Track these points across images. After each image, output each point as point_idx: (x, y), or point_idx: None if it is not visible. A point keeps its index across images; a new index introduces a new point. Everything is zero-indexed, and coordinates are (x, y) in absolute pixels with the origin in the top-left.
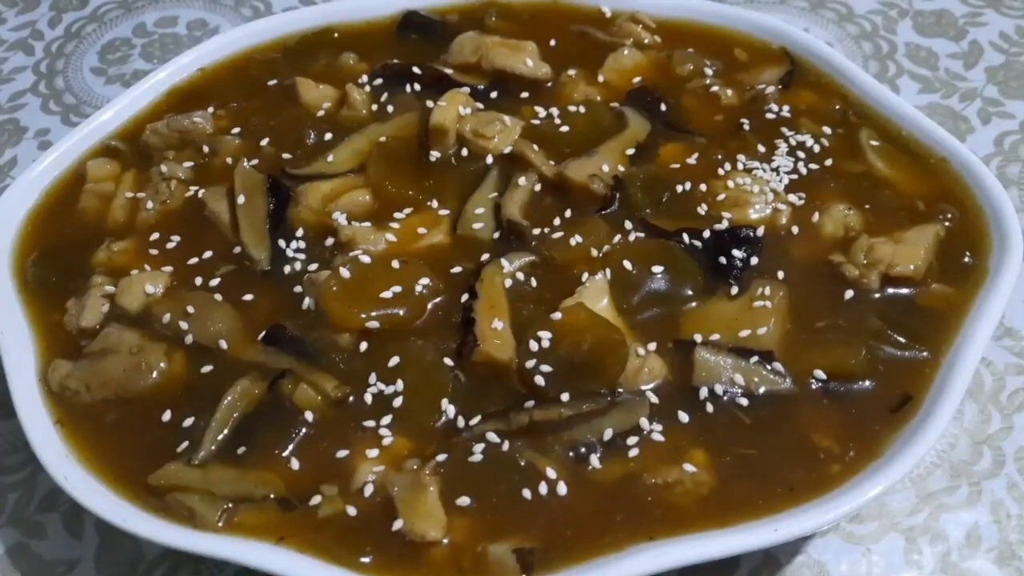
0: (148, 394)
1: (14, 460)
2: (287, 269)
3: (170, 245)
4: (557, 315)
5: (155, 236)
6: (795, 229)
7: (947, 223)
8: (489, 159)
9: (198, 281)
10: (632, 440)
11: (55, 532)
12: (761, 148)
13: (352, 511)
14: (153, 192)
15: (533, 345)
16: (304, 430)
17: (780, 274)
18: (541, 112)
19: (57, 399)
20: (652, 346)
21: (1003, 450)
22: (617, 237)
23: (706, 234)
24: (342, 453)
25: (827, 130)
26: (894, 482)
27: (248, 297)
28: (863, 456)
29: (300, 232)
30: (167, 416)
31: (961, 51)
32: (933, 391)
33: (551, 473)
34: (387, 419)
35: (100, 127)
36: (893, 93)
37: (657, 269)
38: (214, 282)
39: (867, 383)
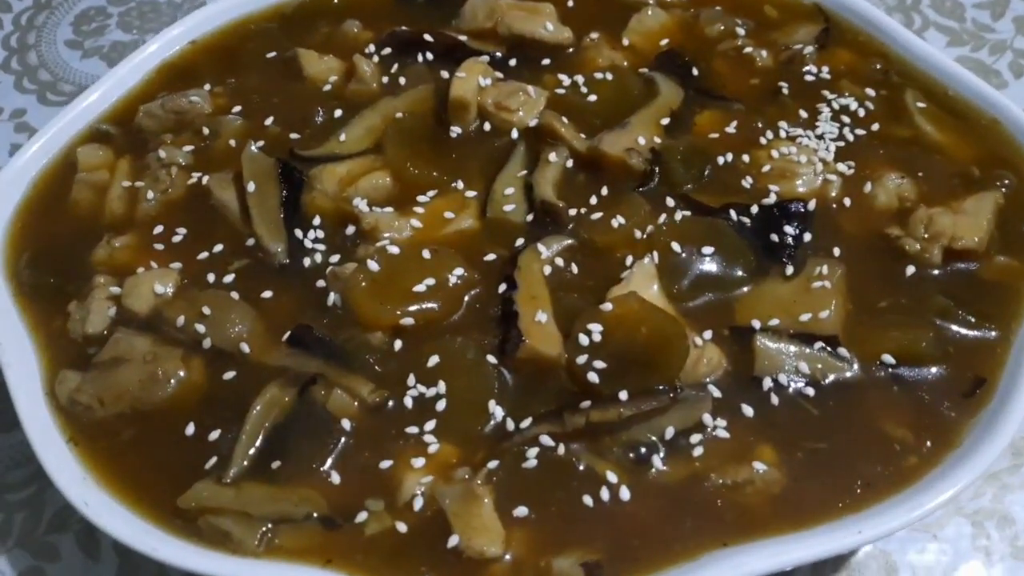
0: (167, 406)
1: (18, 476)
2: (307, 262)
3: (176, 239)
4: (607, 306)
5: (159, 229)
6: (847, 201)
7: (1004, 190)
8: (514, 134)
9: (211, 278)
10: (696, 438)
11: (69, 554)
12: (803, 114)
13: (402, 527)
14: (152, 180)
15: (583, 339)
16: (342, 440)
17: (835, 251)
18: (565, 80)
19: (67, 415)
20: (707, 334)
21: None
22: (662, 217)
23: (754, 209)
24: (385, 464)
25: (870, 92)
26: (979, 474)
27: (267, 294)
28: (940, 446)
29: (317, 220)
30: (190, 430)
31: (987, 0)
32: (1007, 372)
33: (612, 477)
34: (431, 424)
35: (87, 109)
36: (936, 50)
37: (707, 250)
38: (228, 279)
39: (936, 367)
